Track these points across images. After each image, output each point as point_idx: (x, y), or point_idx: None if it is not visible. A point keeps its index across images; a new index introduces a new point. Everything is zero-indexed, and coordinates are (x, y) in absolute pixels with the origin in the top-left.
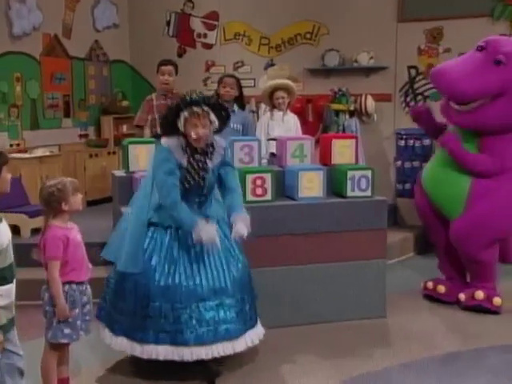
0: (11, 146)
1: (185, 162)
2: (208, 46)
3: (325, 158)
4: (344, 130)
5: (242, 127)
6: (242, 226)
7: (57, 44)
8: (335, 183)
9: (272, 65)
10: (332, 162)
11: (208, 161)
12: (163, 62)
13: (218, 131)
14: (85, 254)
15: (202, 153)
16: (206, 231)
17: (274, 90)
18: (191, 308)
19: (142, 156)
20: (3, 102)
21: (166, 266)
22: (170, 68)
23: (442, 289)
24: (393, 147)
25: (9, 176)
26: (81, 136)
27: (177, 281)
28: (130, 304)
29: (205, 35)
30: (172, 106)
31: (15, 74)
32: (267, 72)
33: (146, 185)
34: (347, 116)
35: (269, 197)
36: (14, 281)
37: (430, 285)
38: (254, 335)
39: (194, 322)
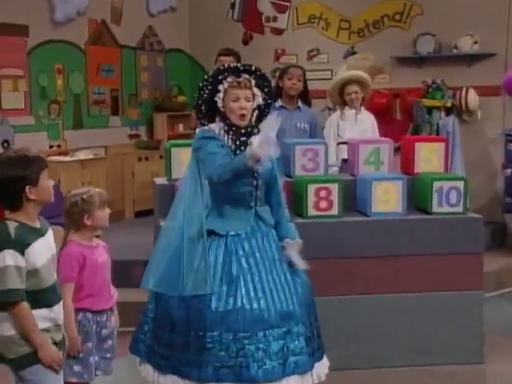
0: (51, 147)
1: (231, 144)
2: (278, 32)
3: (406, 166)
4: (438, 131)
5: (309, 127)
6: (297, 258)
7: (104, 31)
8: (418, 196)
9: (353, 53)
10: (415, 171)
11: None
12: (223, 52)
13: (261, 116)
14: (107, 279)
15: (247, 133)
16: (257, 144)
17: (344, 83)
18: (257, 337)
19: (186, 160)
20: (42, 98)
21: (225, 287)
22: (231, 59)
23: None
24: (501, 152)
25: (50, 183)
26: (130, 136)
27: (239, 304)
28: (180, 335)
29: (274, 19)
30: (206, 80)
31: (56, 66)
32: (347, 62)
33: (190, 189)
34: (443, 114)
35: (335, 211)
36: (58, 305)
37: None
38: (321, 369)
39: (260, 354)
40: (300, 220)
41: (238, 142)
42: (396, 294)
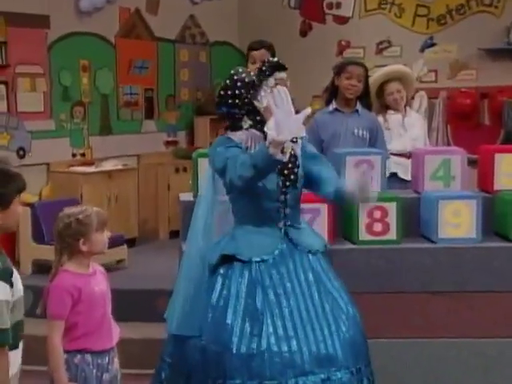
0: (74, 156)
1: None
2: (342, 20)
3: (484, 182)
4: None
5: (368, 134)
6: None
7: (138, 21)
8: (498, 219)
9: (432, 45)
10: (495, 188)
11: (295, 147)
12: (254, 46)
13: None
14: (107, 312)
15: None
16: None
17: (384, 81)
18: None
19: None
20: (65, 99)
21: (248, 325)
22: (263, 53)
23: None
24: None
25: (19, 209)
26: (167, 143)
27: (264, 346)
28: (196, 383)
29: (338, 5)
30: (247, 78)
31: (82, 62)
32: (424, 55)
33: (205, 208)
34: None
35: (393, 236)
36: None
37: None
38: None
39: None
40: (349, 246)
41: None
42: (468, 340)
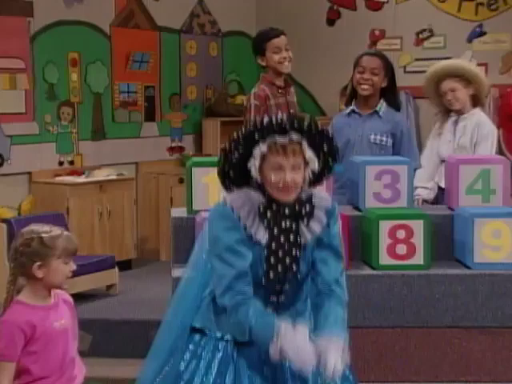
0: (61, 164)
1: (264, 237)
2: (376, 6)
3: None
4: None
5: (391, 140)
6: (335, 358)
7: (137, 8)
8: None
9: (481, 34)
10: None
11: (304, 229)
12: (274, 33)
13: (318, 179)
14: (70, 352)
15: (293, 215)
16: (293, 341)
17: (439, 79)
18: None
19: (213, 186)
20: (50, 98)
21: None
22: (284, 40)
23: None
24: None
25: None
26: (171, 150)
27: None
28: None
29: None
30: (238, 137)
31: (70, 55)
32: (472, 46)
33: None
34: None
35: (419, 260)
36: None
37: None
38: None
39: None
40: (368, 271)
41: (275, 230)
42: None
